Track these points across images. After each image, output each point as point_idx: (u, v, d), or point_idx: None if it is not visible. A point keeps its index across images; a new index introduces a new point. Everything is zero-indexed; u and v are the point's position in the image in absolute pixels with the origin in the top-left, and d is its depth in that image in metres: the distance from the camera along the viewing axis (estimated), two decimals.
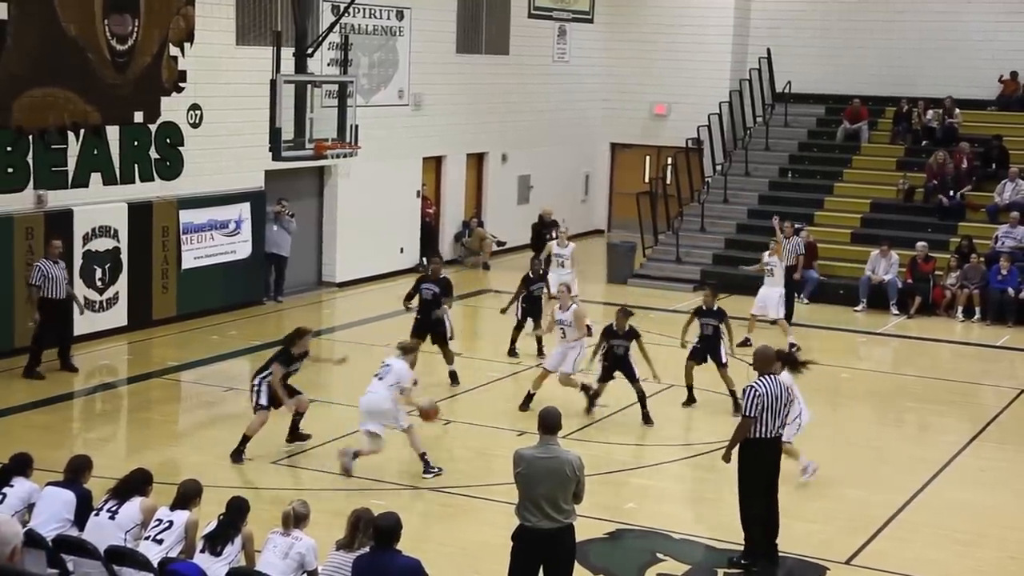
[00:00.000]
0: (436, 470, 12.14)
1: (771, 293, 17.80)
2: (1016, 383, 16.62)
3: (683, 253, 23.41)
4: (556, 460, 8.12)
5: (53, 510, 8.67)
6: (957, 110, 25.21)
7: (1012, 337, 19.54)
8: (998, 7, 26.16)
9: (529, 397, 14.31)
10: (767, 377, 10.07)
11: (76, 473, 8.98)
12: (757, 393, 9.93)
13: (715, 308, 14.78)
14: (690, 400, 14.83)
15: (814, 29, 27.53)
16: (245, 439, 12.33)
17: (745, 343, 17.07)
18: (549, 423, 8.27)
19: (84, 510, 8.73)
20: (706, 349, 14.64)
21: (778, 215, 19.26)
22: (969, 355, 18.64)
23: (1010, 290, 20.34)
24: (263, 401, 12.33)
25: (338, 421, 13.77)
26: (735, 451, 10.15)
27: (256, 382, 12.41)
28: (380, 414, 11.92)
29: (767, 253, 18.23)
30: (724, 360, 14.61)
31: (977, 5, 26.31)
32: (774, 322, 17.87)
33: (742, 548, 10.21)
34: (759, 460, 10.06)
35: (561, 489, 8.09)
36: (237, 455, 12.31)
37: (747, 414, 9.95)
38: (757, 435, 9.98)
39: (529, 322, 16.98)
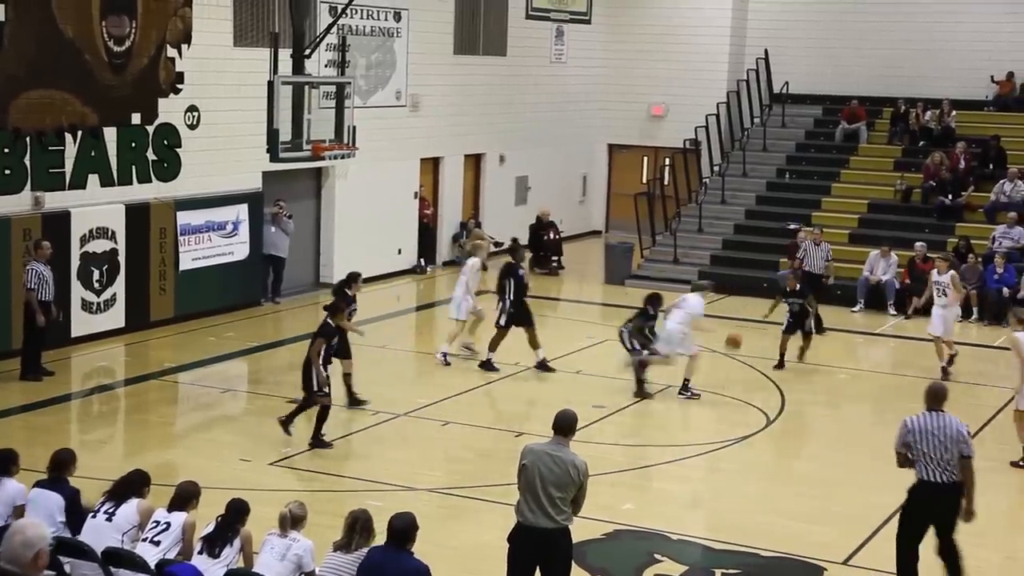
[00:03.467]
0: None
1: (940, 313, 16.95)
2: (1013, 383, 16.58)
3: (681, 254, 23.41)
4: (562, 459, 8.13)
5: (44, 515, 8.49)
6: (954, 111, 25.25)
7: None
8: (995, 7, 26.17)
9: None
10: (927, 413, 9.41)
11: (60, 469, 8.84)
12: (907, 428, 9.37)
13: (798, 288, 17.04)
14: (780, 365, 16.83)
15: (811, 30, 27.53)
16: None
17: (951, 362, 16.87)
18: (563, 424, 8.29)
19: (74, 510, 8.66)
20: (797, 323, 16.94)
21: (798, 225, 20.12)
22: (967, 355, 18.59)
23: (1005, 290, 20.30)
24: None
25: (336, 423, 13.77)
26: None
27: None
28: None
29: (935, 272, 17.20)
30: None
31: (974, 6, 26.32)
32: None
33: None
34: (917, 504, 9.48)
35: (561, 489, 8.09)
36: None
37: (896, 447, 9.48)
38: (921, 477, 9.38)
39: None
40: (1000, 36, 26.01)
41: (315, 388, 12.79)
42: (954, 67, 26.19)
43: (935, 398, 9.48)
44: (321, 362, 12.78)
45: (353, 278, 14.54)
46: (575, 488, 8.14)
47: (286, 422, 13.01)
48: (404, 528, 7.53)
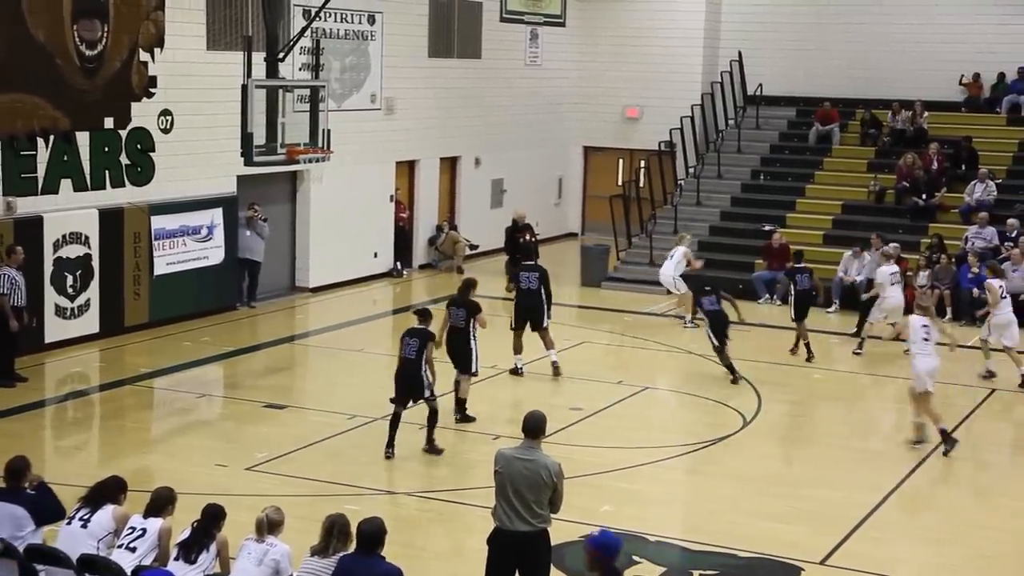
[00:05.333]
0: None
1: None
2: (986, 384, 16.72)
3: (656, 256, 23.40)
4: (534, 463, 8.14)
5: (8, 529, 8.39)
6: (926, 112, 25.42)
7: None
8: (966, 10, 26.35)
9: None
10: None
11: (17, 479, 8.71)
12: None
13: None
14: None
15: (785, 32, 27.66)
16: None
17: None
18: (532, 427, 8.30)
19: (40, 512, 8.55)
20: None
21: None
22: (940, 356, 18.69)
23: (975, 290, 20.35)
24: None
25: (313, 427, 13.75)
26: None
27: None
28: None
29: None
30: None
31: (945, 8, 26.50)
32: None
33: None
34: None
35: (536, 492, 8.10)
36: None
37: None
38: None
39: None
40: (972, 38, 26.18)
41: (430, 395, 12.83)
42: (926, 69, 26.36)
43: None
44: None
45: (472, 284, 14.56)
46: (549, 490, 8.15)
47: (431, 448, 12.92)
48: (373, 532, 7.52)
